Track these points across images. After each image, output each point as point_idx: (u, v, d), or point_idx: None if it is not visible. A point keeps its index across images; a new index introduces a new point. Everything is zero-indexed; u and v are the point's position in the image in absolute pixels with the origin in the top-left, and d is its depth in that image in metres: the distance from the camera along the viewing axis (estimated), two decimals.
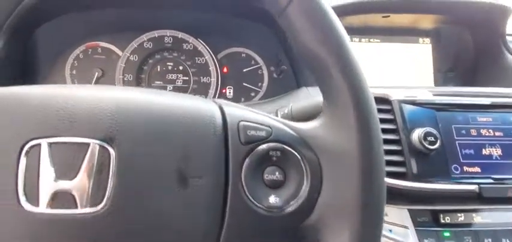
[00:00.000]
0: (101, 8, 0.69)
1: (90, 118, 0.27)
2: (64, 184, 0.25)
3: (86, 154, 0.26)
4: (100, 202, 0.25)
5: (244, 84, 0.76)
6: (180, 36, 0.74)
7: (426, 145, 0.51)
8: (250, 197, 0.29)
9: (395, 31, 0.81)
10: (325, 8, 0.29)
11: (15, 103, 0.27)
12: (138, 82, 0.73)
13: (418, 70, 0.84)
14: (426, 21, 0.83)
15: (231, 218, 0.28)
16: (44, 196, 0.25)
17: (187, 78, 0.75)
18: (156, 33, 0.73)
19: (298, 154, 0.29)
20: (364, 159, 0.28)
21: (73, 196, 0.25)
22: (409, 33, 0.84)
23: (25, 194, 0.25)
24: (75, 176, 0.25)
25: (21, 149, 0.25)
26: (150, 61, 0.74)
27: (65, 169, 0.26)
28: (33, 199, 0.25)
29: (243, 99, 0.76)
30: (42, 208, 0.25)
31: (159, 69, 0.74)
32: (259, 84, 0.77)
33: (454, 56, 0.85)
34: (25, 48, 0.68)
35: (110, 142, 0.26)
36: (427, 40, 0.87)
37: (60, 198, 0.25)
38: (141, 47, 0.73)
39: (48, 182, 0.25)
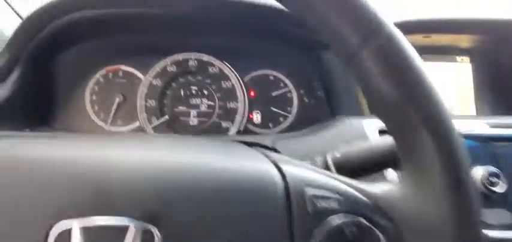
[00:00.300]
0: (124, 32, 0.65)
1: (130, 193, 0.22)
2: None
3: (124, 239, 0.21)
4: None
5: (272, 108, 0.71)
6: (205, 59, 0.70)
7: (490, 188, 0.45)
8: None
9: (435, 50, 0.75)
10: (410, 52, 0.24)
11: (40, 173, 0.23)
12: (160, 108, 0.69)
13: (458, 89, 0.79)
14: (465, 40, 0.78)
15: None
16: None
17: (212, 102, 0.70)
18: (180, 57, 0.69)
19: (378, 229, 0.24)
20: (460, 238, 0.23)
21: None
22: (449, 52, 0.78)
23: None
24: None
25: (48, 234, 0.21)
26: (174, 85, 0.70)
27: None
28: None
29: (271, 125, 0.71)
30: None
31: (182, 94, 0.70)
32: (288, 108, 0.72)
33: (493, 74, 0.79)
34: (42, 75, 0.64)
35: (154, 224, 0.21)
36: (467, 58, 0.81)
37: None
38: (165, 70, 0.69)
39: None
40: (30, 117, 0.61)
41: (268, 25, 0.60)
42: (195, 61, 0.70)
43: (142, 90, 0.68)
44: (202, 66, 0.70)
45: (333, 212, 0.24)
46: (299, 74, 0.70)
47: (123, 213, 0.22)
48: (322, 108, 0.68)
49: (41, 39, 0.57)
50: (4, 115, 0.56)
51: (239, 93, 0.70)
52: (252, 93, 0.71)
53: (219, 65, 0.70)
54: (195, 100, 0.70)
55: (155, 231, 0.21)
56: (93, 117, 0.69)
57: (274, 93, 0.72)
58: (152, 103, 0.69)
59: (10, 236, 0.21)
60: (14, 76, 0.58)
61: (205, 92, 0.70)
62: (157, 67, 0.69)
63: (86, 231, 0.21)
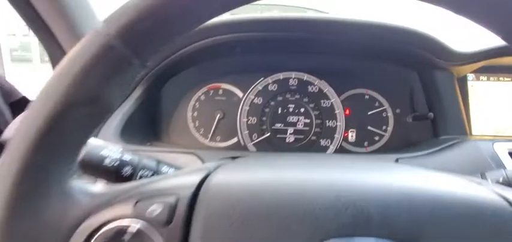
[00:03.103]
0: (229, 55, 0.68)
1: (389, 214, 0.23)
2: None
3: None
4: None
5: (368, 127, 0.71)
6: (305, 78, 0.71)
7: None
8: None
9: None
10: None
11: (302, 196, 0.24)
12: (260, 125, 0.70)
13: None
14: None
15: None
16: None
17: (308, 120, 0.71)
18: (281, 76, 0.71)
19: None
20: None
21: None
22: None
23: None
24: None
25: None
26: (272, 103, 0.71)
27: None
28: None
29: (366, 143, 0.71)
30: None
31: (280, 112, 0.71)
32: (384, 127, 0.72)
33: None
34: (156, 93, 0.67)
35: None
36: None
37: None
38: (266, 89, 0.71)
39: None
40: (148, 132, 0.64)
41: (389, 46, 0.61)
42: (295, 80, 0.71)
43: (244, 108, 0.70)
44: (302, 85, 0.71)
45: None
46: (397, 93, 0.70)
47: (383, 235, 0.22)
48: (422, 127, 0.68)
49: (166, 63, 0.59)
50: (131, 131, 0.58)
51: (338, 112, 0.70)
52: (347, 112, 0.72)
53: (319, 84, 0.71)
54: (292, 118, 0.71)
55: None
56: (194, 132, 0.71)
57: (369, 112, 0.72)
58: (253, 120, 0.70)
59: None
60: (137, 93, 0.61)
61: (302, 110, 0.71)
62: (259, 86, 0.71)
63: None
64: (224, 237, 0.23)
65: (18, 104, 0.71)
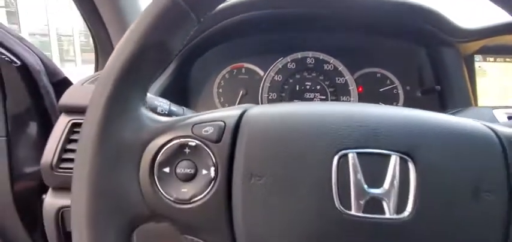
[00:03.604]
0: (251, 34, 0.74)
1: (392, 133, 0.29)
2: (374, 191, 0.28)
3: (388, 165, 0.28)
4: (404, 210, 0.28)
5: (380, 103, 0.77)
6: (321, 57, 0.77)
7: None
8: None
9: None
10: None
11: (323, 119, 0.30)
12: (280, 101, 0.77)
13: None
14: None
15: None
16: (356, 200, 0.28)
17: (324, 97, 0.77)
18: (299, 55, 0.77)
19: None
20: None
21: (381, 203, 0.28)
22: None
23: (339, 197, 0.28)
24: (382, 185, 0.28)
25: (333, 157, 0.28)
26: (291, 81, 0.78)
27: (372, 177, 0.28)
28: (346, 203, 0.28)
29: None
30: (355, 211, 0.28)
31: (297, 89, 0.78)
32: (395, 103, 0.77)
33: None
34: (187, 70, 0.75)
35: (409, 157, 0.28)
36: None
37: (371, 204, 0.28)
38: (285, 67, 0.77)
39: (360, 189, 0.28)
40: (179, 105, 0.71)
41: (396, 22, 0.67)
42: (312, 59, 0.77)
43: (266, 85, 0.77)
44: (318, 63, 0.77)
45: None
46: (407, 71, 0.76)
47: (387, 147, 0.29)
48: (431, 102, 0.73)
49: (196, 41, 0.67)
50: None
51: (351, 88, 0.76)
52: (360, 89, 0.78)
53: (334, 63, 0.77)
54: (309, 95, 0.78)
55: (409, 161, 0.28)
56: (219, 107, 0.78)
57: (381, 89, 0.77)
58: (274, 96, 0.77)
59: (309, 156, 0.29)
60: (170, 70, 0.69)
61: (318, 87, 0.78)
62: (279, 65, 0.77)
63: (360, 156, 0.28)
64: (261, 152, 0.30)
65: (61, 84, 0.80)
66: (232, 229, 0.29)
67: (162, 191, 0.30)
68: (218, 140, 0.30)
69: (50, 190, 0.55)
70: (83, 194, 0.28)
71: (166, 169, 0.30)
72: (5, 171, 0.71)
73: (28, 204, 0.75)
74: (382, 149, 0.29)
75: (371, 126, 0.30)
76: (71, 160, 0.53)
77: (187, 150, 0.30)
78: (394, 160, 0.28)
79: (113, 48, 0.74)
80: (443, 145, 0.29)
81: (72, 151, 0.53)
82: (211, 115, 0.32)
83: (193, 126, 0.31)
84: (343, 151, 0.29)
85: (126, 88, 0.30)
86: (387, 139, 0.29)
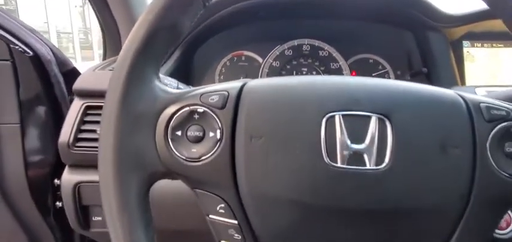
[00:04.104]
0: (250, 22, 0.79)
1: (372, 98, 0.34)
2: (356, 147, 0.33)
3: (368, 125, 0.33)
4: (383, 163, 0.32)
5: None
6: (317, 44, 0.81)
7: None
8: (495, 166, 0.34)
9: None
10: None
11: (313, 87, 0.35)
12: None
13: None
14: None
15: (480, 182, 0.34)
16: (341, 155, 0.33)
17: None
18: (295, 42, 0.82)
19: None
20: None
21: (362, 157, 0.32)
22: None
23: (327, 153, 0.33)
24: (363, 141, 0.33)
25: (322, 119, 0.33)
26: (288, 67, 0.82)
27: (355, 135, 0.33)
28: (333, 157, 0.33)
29: None
30: (340, 164, 0.33)
31: (294, 74, 0.82)
32: None
33: None
34: (189, 58, 0.79)
35: (387, 117, 0.33)
36: None
37: (353, 157, 0.33)
38: (282, 54, 0.82)
39: (344, 145, 0.33)
40: None
41: (385, 8, 0.71)
42: (308, 46, 0.82)
43: (264, 70, 0.81)
44: (314, 50, 0.82)
45: (503, 119, 0.34)
46: (397, 57, 0.80)
47: (367, 110, 0.33)
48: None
49: (199, 29, 0.71)
50: None
51: (345, 73, 0.81)
52: (354, 74, 0.82)
53: (329, 49, 0.81)
54: None
55: (387, 121, 0.33)
56: None
57: (373, 74, 0.82)
58: None
59: (301, 118, 0.33)
60: (175, 56, 0.73)
61: (314, 72, 0.82)
62: (276, 52, 0.82)
63: (344, 117, 0.33)
64: (260, 116, 0.34)
65: (70, 73, 0.84)
66: (236, 182, 0.34)
67: (175, 151, 0.34)
68: (223, 107, 0.35)
69: (66, 167, 0.59)
70: (109, 152, 0.32)
71: (179, 133, 0.35)
72: (20, 157, 0.75)
73: (41, 188, 0.79)
74: (363, 111, 0.33)
75: (354, 93, 0.34)
76: (86, 139, 0.57)
77: (196, 116, 0.35)
78: (373, 120, 0.33)
79: (120, 37, 0.79)
80: (416, 107, 0.34)
81: (87, 131, 0.58)
82: (216, 87, 0.37)
83: (201, 96, 0.36)
84: (330, 114, 0.33)
85: (143, 62, 0.34)
86: (368, 103, 0.34)
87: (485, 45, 0.86)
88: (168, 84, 0.48)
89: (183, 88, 0.49)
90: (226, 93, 0.35)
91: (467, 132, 0.34)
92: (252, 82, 0.37)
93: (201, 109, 0.35)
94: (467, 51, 0.85)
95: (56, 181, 0.80)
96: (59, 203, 0.81)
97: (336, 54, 0.81)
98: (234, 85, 0.37)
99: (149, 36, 0.33)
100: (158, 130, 0.35)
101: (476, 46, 0.86)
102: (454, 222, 0.34)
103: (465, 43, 0.83)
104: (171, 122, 0.35)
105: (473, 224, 0.34)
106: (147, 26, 0.33)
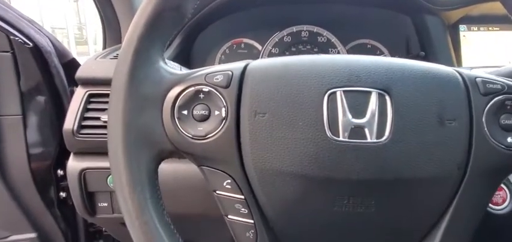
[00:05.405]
0: (249, 8, 0.79)
1: (371, 74, 0.35)
2: (358, 121, 0.34)
3: (369, 100, 0.34)
4: (383, 136, 0.34)
5: None
6: (315, 30, 0.82)
7: None
8: (491, 138, 0.35)
9: None
10: None
11: (314, 65, 0.36)
12: None
13: None
14: None
15: (476, 153, 0.35)
16: (343, 129, 0.34)
17: None
18: (294, 28, 0.82)
19: None
20: None
21: (363, 130, 0.33)
22: None
23: (329, 127, 0.34)
24: (364, 116, 0.34)
25: (324, 95, 0.34)
26: (287, 53, 0.83)
27: (356, 110, 0.34)
28: (335, 132, 0.34)
29: None
30: (342, 138, 0.34)
31: None
32: None
33: None
34: (189, 46, 0.80)
35: (387, 92, 0.34)
36: None
37: (354, 132, 0.34)
38: (281, 40, 0.82)
39: (346, 120, 0.34)
40: None
41: None
42: (307, 32, 0.83)
43: (263, 57, 0.82)
44: (312, 36, 0.82)
45: (498, 93, 0.35)
46: (395, 41, 0.81)
47: (368, 85, 0.34)
48: None
49: (199, 16, 0.72)
50: None
51: None
52: None
53: (327, 35, 0.82)
54: None
55: (387, 96, 0.34)
56: None
57: None
58: None
59: (304, 95, 0.34)
60: (175, 44, 0.74)
61: None
62: (275, 38, 0.82)
63: (346, 93, 0.34)
64: (263, 93, 0.35)
65: (70, 64, 0.85)
66: (241, 157, 0.35)
67: (182, 130, 0.35)
68: (227, 86, 0.36)
69: (72, 154, 0.60)
70: (118, 131, 0.33)
71: (185, 112, 0.36)
72: (23, 148, 0.76)
73: (45, 179, 0.80)
74: (364, 87, 0.34)
75: (354, 69, 0.35)
76: (90, 126, 0.58)
77: (201, 95, 0.36)
78: (374, 95, 0.34)
79: (119, 28, 0.79)
80: (414, 82, 0.35)
81: (91, 118, 0.58)
82: (220, 67, 0.38)
83: (206, 76, 0.36)
84: (332, 90, 0.34)
85: (148, 44, 0.35)
86: (368, 79, 0.35)
87: (481, 28, 0.87)
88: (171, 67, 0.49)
89: (185, 71, 0.50)
90: (230, 72, 0.36)
91: (464, 105, 0.35)
92: (255, 62, 0.38)
93: (206, 89, 0.36)
94: (464, 35, 0.86)
95: (59, 171, 0.81)
96: (62, 194, 0.82)
97: (334, 40, 0.82)
98: (237, 65, 0.38)
99: (155, 17, 0.34)
100: (165, 110, 0.35)
101: (473, 30, 0.87)
102: (451, 192, 0.35)
103: (461, 27, 0.84)
104: (177, 102, 0.35)
105: (470, 194, 0.35)
106: (152, 7, 0.34)
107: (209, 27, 0.81)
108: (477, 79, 0.36)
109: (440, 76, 0.36)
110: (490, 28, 0.88)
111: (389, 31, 0.81)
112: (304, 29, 0.83)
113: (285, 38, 0.83)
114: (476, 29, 0.87)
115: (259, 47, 0.83)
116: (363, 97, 0.34)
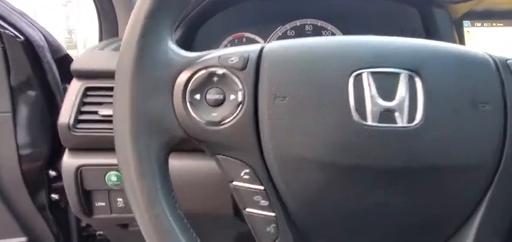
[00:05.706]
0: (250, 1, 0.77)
1: (400, 54, 0.33)
2: (387, 104, 0.31)
3: (398, 82, 0.32)
4: (414, 120, 0.31)
5: None
6: (319, 24, 0.80)
7: None
8: None
9: None
10: None
11: (338, 45, 0.34)
12: None
13: None
14: None
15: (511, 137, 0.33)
16: (371, 112, 0.31)
17: None
18: (298, 22, 0.80)
19: None
20: None
21: (393, 114, 0.31)
22: None
23: (357, 110, 0.31)
24: (394, 98, 0.31)
25: (350, 76, 0.32)
26: None
27: (384, 92, 0.31)
28: (362, 115, 0.31)
29: None
30: (371, 122, 0.31)
31: None
32: None
33: None
34: (189, 39, 0.77)
35: (416, 74, 0.32)
36: None
37: (384, 115, 0.31)
38: (285, 35, 0.80)
39: (374, 103, 0.31)
40: None
41: None
42: (311, 26, 0.81)
43: None
44: (316, 30, 0.80)
45: None
46: (402, 34, 0.79)
47: (396, 66, 0.32)
48: None
49: (200, 8, 0.69)
50: None
51: None
52: None
53: (332, 29, 0.80)
54: None
55: (416, 77, 0.32)
56: None
57: None
58: None
59: (327, 77, 0.32)
60: (176, 37, 0.71)
61: None
62: (279, 32, 0.80)
63: (373, 74, 0.32)
64: (283, 75, 0.33)
65: (63, 60, 0.81)
66: (260, 145, 0.32)
67: (194, 116, 0.32)
68: (243, 68, 0.33)
69: (67, 150, 0.56)
70: (126, 117, 0.30)
71: (197, 96, 0.33)
72: (13, 147, 0.72)
73: (36, 180, 0.76)
74: (392, 68, 0.32)
75: (380, 50, 0.33)
76: (87, 121, 0.54)
77: (215, 78, 0.33)
78: (403, 76, 0.32)
79: (117, 22, 0.76)
80: (445, 63, 0.33)
81: (87, 113, 0.55)
82: (234, 49, 0.35)
83: (219, 57, 0.34)
84: (358, 72, 0.32)
85: (155, 23, 0.32)
86: (396, 60, 0.32)
87: (485, 24, 0.87)
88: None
89: None
90: (246, 54, 0.34)
91: (497, 88, 0.33)
92: (272, 44, 0.35)
93: (220, 71, 0.33)
94: (468, 31, 0.85)
95: (51, 172, 0.77)
96: (54, 196, 0.78)
97: (339, 34, 0.80)
98: (253, 47, 0.35)
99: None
100: (176, 94, 0.33)
101: (477, 25, 0.86)
102: (487, 180, 0.33)
103: (465, 23, 0.84)
104: (189, 85, 0.33)
105: (506, 181, 0.33)
106: None
107: (210, 21, 0.78)
108: (508, 61, 0.35)
109: (472, 58, 0.34)
110: (493, 24, 0.87)
111: (395, 24, 0.79)
112: (308, 23, 0.80)
113: (288, 32, 0.80)
114: (480, 24, 0.86)
115: (261, 41, 0.81)
116: (391, 79, 0.32)
